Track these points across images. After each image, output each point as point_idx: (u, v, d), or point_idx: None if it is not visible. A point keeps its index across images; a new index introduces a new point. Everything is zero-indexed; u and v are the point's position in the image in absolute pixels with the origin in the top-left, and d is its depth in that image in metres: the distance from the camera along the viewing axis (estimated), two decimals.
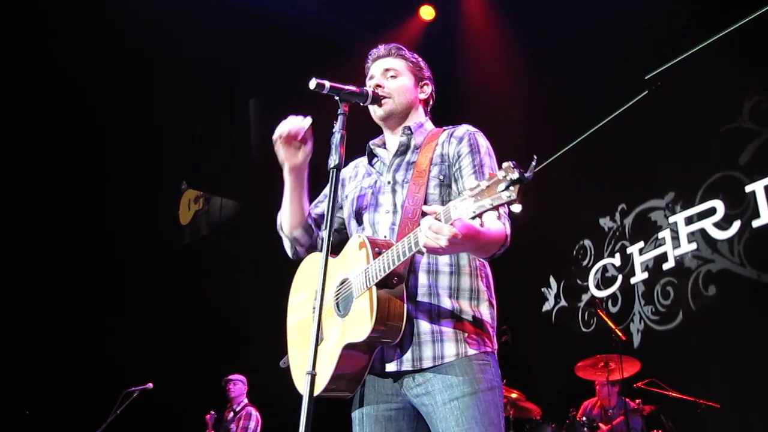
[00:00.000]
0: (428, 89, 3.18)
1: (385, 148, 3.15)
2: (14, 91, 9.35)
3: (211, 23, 9.09)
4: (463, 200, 2.29)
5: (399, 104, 3.08)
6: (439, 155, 2.93)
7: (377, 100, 3.03)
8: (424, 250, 2.42)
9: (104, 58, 9.17)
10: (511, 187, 2.15)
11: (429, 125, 3.16)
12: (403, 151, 3.05)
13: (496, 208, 2.20)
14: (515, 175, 2.14)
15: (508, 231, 2.69)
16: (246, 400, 8.66)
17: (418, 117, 3.14)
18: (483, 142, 2.91)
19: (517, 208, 2.18)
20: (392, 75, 3.10)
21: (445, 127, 3.08)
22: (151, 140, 10.47)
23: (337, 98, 2.82)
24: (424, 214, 2.55)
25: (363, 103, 2.97)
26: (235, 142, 10.69)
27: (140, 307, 10.70)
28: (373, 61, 3.18)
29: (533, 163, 2.18)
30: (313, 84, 2.77)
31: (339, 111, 2.80)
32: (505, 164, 2.20)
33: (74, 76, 9.33)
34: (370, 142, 3.18)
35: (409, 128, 3.07)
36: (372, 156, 3.17)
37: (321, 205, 3.29)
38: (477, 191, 2.24)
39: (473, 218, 2.26)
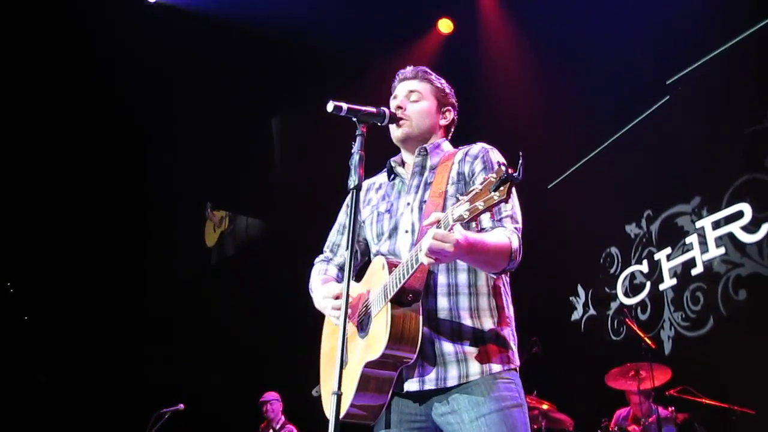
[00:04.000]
0: (450, 115, 3.18)
1: (403, 167, 3.15)
2: (46, 107, 9.50)
3: (232, 43, 9.20)
4: (460, 205, 2.35)
5: (416, 128, 3.09)
6: (455, 174, 2.93)
7: (395, 120, 3.05)
8: (426, 260, 2.45)
9: (138, 77, 9.31)
10: (501, 187, 2.25)
11: (446, 146, 3.15)
12: (419, 171, 3.05)
13: (489, 209, 2.28)
14: (504, 175, 2.23)
15: (515, 245, 2.69)
16: (284, 418, 8.59)
17: (436, 140, 3.12)
18: (496, 159, 2.91)
19: (508, 208, 2.44)
20: (415, 99, 3.11)
21: (460, 147, 3.08)
22: (177, 161, 10.59)
23: (354, 120, 2.84)
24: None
25: (381, 123, 2.97)
26: (258, 161, 10.78)
27: (171, 329, 10.75)
28: (399, 82, 3.20)
29: (521, 162, 2.23)
30: (330, 107, 2.81)
31: (357, 132, 2.82)
32: (495, 167, 2.30)
33: (108, 94, 9.46)
34: (392, 159, 3.18)
35: (425, 149, 3.07)
36: (391, 173, 3.17)
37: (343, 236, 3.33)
38: (471, 195, 2.32)
39: (467, 221, 2.32)
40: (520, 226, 2.82)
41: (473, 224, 2.47)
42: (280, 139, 10.59)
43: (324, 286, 3.09)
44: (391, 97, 3.19)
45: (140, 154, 10.55)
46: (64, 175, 10.08)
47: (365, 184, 3.26)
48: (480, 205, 2.28)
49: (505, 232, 2.72)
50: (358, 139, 2.79)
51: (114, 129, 9.95)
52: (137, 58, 8.99)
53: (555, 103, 8.91)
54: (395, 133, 3.09)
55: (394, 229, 2.96)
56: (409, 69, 3.21)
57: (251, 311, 10.38)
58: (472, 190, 2.32)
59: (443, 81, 3.23)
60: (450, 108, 3.19)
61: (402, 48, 9.13)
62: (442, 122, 3.15)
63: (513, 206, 2.84)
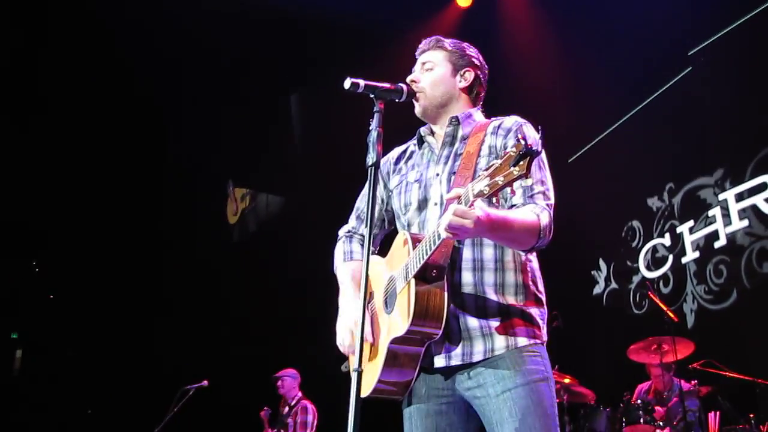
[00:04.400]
0: (470, 75, 3.12)
1: (433, 136, 3.12)
2: (67, 89, 9.52)
3: (248, 20, 9.16)
4: (479, 180, 2.32)
5: (432, 97, 3.05)
6: (487, 147, 2.90)
7: (412, 95, 3.02)
8: (446, 235, 2.43)
9: (156, 57, 9.31)
10: (521, 162, 2.22)
11: (478, 116, 3.11)
12: (449, 141, 3.02)
13: (508, 184, 2.25)
14: (523, 149, 2.21)
15: (545, 222, 2.66)
16: (300, 394, 8.60)
17: (463, 106, 3.10)
18: (531, 134, 2.86)
19: (529, 182, 2.32)
20: (428, 68, 3.09)
21: (493, 118, 3.05)
22: (197, 140, 10.65)
23: (372, 96, 2.83)
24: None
25: (399, 99, 2.94)
26: (278, 139, 10.77)
27: (193, 306, 10.84)
28: (418, 56, 3.17)
29: (539, 135, 2.26)
30: (347, 84, 2.81)
31: (375, 108, 2.80)
32: (513, 140, 2.33)
33: (128, 75, 9.48)
34: (421, 129, 3.15)
35: (456, 118, 3.03)
36: (421, 142, 3.14)
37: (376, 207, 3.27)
38: (491, 170, 2.29)
39: (487, 196, 2.30)
40: (552, 202, 2.78)
41: (494, 200, 2.37)
42: (300, 117, 10.59)
43: (349, 295, 3.05)
44: None
45: (161, 134, 10.65)
46: (86, 156, 10.12)
47: (395, 152, 3.25)
48: (500, 180, 2.26)
49: (534, 209, 2.68)
50: (376, 116, 2.77)
51: (134, 109, 10.00)
52: (155, 39, 8.99)
53: (575, 75, 8.85)
54: (416, 109, 3.08)
55: (424, 201, 2.94)
56: (424, 42, 3.19)
57: (273, 289, 10.40)
58: (491, 165, 2.30)
59: (460, 43, 3.19)
60: (469, 68, 3.12)
61: (420, 22, 9.02)
62: (462, 84, 3.10)
63: (545, 182, 2.81)
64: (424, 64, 3.10)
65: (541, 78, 9.08)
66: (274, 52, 9.59)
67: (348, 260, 3.22)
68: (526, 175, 2.22)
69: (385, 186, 3.18)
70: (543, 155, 2.82)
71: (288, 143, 10.67)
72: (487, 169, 2.31)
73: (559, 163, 9.16)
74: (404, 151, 3.23)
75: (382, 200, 3.19)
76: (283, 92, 10.65)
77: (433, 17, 9.28)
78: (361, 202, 3.34)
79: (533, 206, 2.70)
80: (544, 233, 2.65)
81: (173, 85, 9.73)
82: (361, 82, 2.81)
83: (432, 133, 3.12)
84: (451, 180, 2.89)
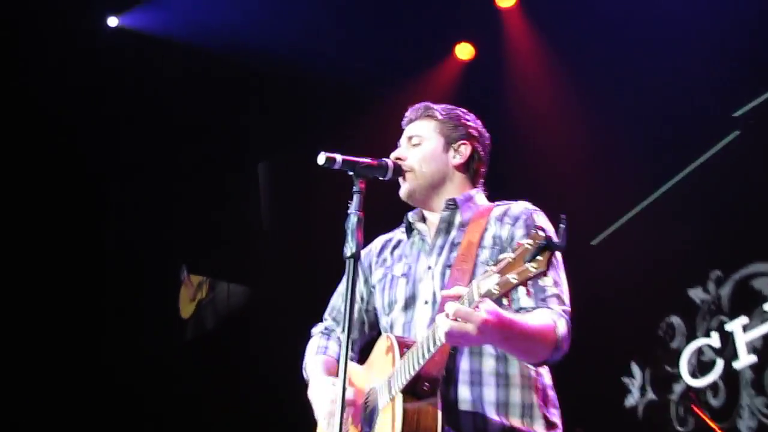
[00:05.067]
0: (466, 149, 3.21)
1: (425, 222, 3.20)
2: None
3: (211, 77, 9.11)
4: (488, 277, 2.35)
5: (422, 177, 3.14)
6: (490, 236, 2.96)
7: (399, 172, 3.12)
8: (443, 339, 2.44)
9: (98, 125, 9.28)
10: (539, 257, 2.22)
11: (480, 198, 3.18)
12: (445, 229, 3.07)
13: (523, 282, 2.26)
14: (542, 242, 2.22)
15: (562, 331, 2.70)
16: None
17: (458, 187, 3.18)
18: (544, 224, 2.94)
19: (548, 281, 2.45)
20: (415, 143, 3.21)
21: (498, 203, 3.13)
22: (145, 216, 10.50)
23: (351, 174, 2.93)
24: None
25: (383, 177, 3.05)
26: (242, 216, 10.65)
27: (140, 410, 10.63)
28: (404, 127, 3.33)
29: (562, 226, 2.23)
30: (321, 159, 2.90)
31: (354, 188, 2.89)
32: (532, 231, 2.31)
33: (64, 143, 9.40)
34: (409, 214, 3.25)
35: (454, 201, 3.11)
36: (410, 230, 3.22)
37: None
38: (502, 265, 2.31)
39: (497, 297, 2.33)
40: (569, 308, 2.82)
41: (504, 302, 2.37)
42: (268, 192, 10.45)
43: (320, 380, 3.10)
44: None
45: (98, 209, 10.47)
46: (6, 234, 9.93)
47: (378, 241, 3.37)
48: (513, 278, 2.25)
49: (550, 315, 2.71)
50: (356, 198, 2.85)
51: (65, 179, 9.79)
52: (92, 94, 8.86)
53: (598, 141, 8.70)
54: (401, 191, 3.19)
55: (412, 298, 3.00)
56: (410, 110, 3.34)
57: (234, 392, 10.22)
58: (503, 259, 2.31)
59: (454, 109, 3.31)
60: (465, 140, 3.22)
61: (412, 80, 9.01)
62: (456, 160, 3.19)
63: (560, 283, 2.87)
64: (410, 138, 3.22)
65: (558, 145, 8.89)
66: (240, 116, 9.51)
67: (321, 354, 3.31)
68: (545, 273, 2.23)
69: (366, 281, 3.25)
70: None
71: (254, 223, 10.48)
72: (496, 264, 2.32)
73: (580, 247, 8.85)
74: (390, 240, 3.33)
75: (363, 298, 3.26)
76: (248, 163, 10.50)
77: (428, 73, 9.19)
78: (338, 300, 3.42)
79: (548, 311, 2.75)
80: (560, 344, 2.70)
81: (112, 150, 9.58)
82: (338, 157, 2.91)
83: (423, 218, 3.22)
84: (446, 275, 2.93)
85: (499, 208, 3.06)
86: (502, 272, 2.29)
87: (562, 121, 8.98)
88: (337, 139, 8.02)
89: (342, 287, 3.38)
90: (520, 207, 3.04)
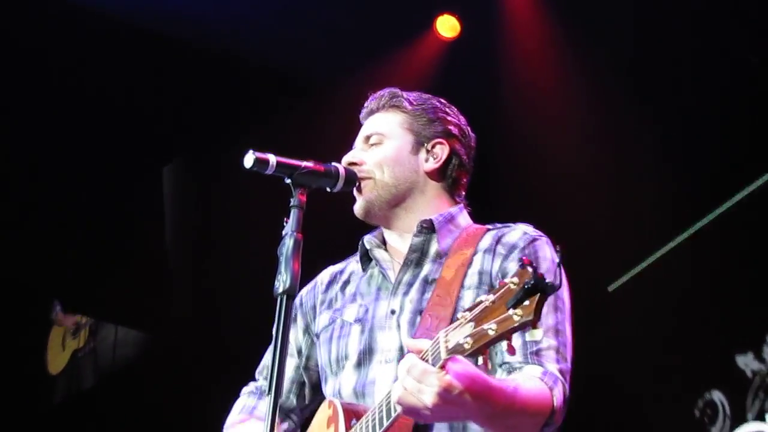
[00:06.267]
0: (442, 151, 3.26)
1: (385, 249, 3.24)
2: None
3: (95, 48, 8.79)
4: (459, 327, 2.33)
5: (382, 188, 3.18)
6: (476, 272, 2.97)
7: (352, 181, 3.14)
8: (399, 409, 2.44)
9: None
10: (526, 301, 2.20)
11: (464, 219, 3.21)
12: (415, 260, 3.10)
13: (505, 335, 2.23)
14: (530, 281, 2.18)
15: (558, 400, 2.72)
16: None
17: (433, 203, 3.21)
18: (547, 255, 3.02)
19: (537, 335, 2.30)
20: (375, 142, 3.28)
21: (489, 226, 3.18)
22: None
23: (288, 182, 2.94)
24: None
25: (331, 188, 3.09)
26: (138, 236, 10.51)
27: None
28: (363, 121, 3.41)
29: (557, 256, 2.32)
30: (249, 161, 2.91)
31: (292, 202, 2.88)
32: (517, 265, 2.31)
33: None
34: (365, 239, 3.28)
35: (430, 222, 3.14)
36: (367, 259, 3.25)
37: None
38: (478, 311, 2.29)
39: (470, 354, 2.30)
40: (569, 366, 2.88)
41: (480, 361, 2.34)
42: (175, 204, 10.33)
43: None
44: None
45: None
46: None
47: (327, 273, 3.42)
48: (491, 329, 2.21)
49: (544, 379, 2.71)
50: (293, 214, 2.84)
51: None
52: None
53: (618, 163, 8.82)
54: (356, 206, 3.26)
55: (367, 353, 3.02)
56: (371, 98, 3.41)
57: None
58: (480, 303, 2.29)
59: (430, 99, 3.37)
60: (441, 140, 3.26)
61: (376, 62, 8.90)
62: (428, 165, 3.24)
63: (562, 331, 2.90)
64: (369, 137, 3.28)
65: (567, 163, 8.97)
66: (138, 100, 9.20)
67: (246, 414, 3.31)
68: (533, 323, 2.19)
69: (307, 329, 3.29)
70: (563, 290, 2.94)
71: (155, 245, 10.33)
72: (471, 309, 2.31)
73: (594, 294, 8.80)
74: (340, 272, 3.38)
75: (300, 351, 3.30)
76: (150, 165, 10.30)
77: (398, 54, 9.12)
78: (269, 356, 3.28)
79: (540, 372, 2.75)
80: (554, 418, 2.73)
81: None
82: (272, 159, 2.90)
83: (384, 243, 3.28)
84: (416, 323, 2.94)
85: (491, 233, 3.09)
86: (477, 321, 2.27)
87: (571, 125, 9.03)
88: (272, 135, 8.31)
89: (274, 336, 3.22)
90: (519, 232, 3.06)
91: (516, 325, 2.18)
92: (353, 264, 3.33)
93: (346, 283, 3.30)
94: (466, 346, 2.25)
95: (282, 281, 2.70)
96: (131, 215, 10.42)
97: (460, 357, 2.33)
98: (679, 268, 9.07)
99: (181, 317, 10.18)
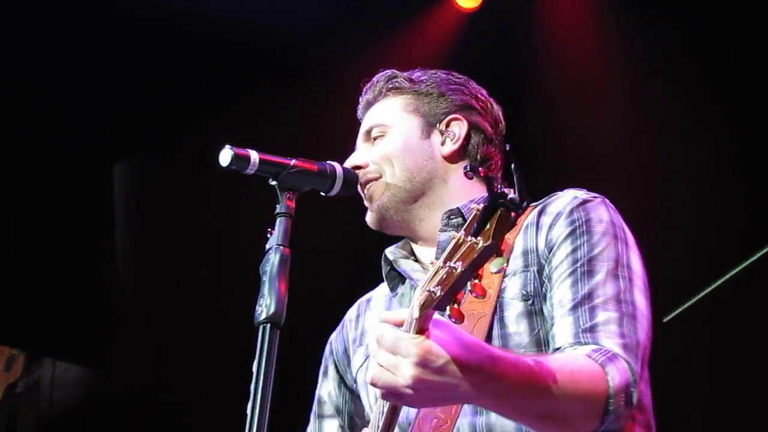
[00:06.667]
0: (459, 128, 3.25)
1: (415, 258, 3.22)
2: None
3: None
4: (432, 278, 2.22)
5: (395, 187, 3.15)
6: (519, 255, 2.94)
7: (352, 184, 3.13)
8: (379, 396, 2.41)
9: None
10: (486, 225, 2.10)
11: None
12: (448, 258, 2.58)
13: (470, 270, 2.11)
14: (490, 199, 2.12)
15: (617, 378, 2.54)
16: None
17: (462, 189, 3.19)
18: (603, 216, 2.94)
19: (499, 262, 2.46)
20: (377, 135, 3.30)
21: (535, 203, 3.08)
22: None
23: (273, 183, 2.94)
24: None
25: (326, 191, 3.10)
26: (88, 245, 10.19)
27: None
28: (361, 117, 3.43)
29: (513, 165, 2.23)
30: (226, 157, 2.89)
31: (278, 208, 2.87)
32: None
33: None
34: (387, 251, 3.28)
35: (458, 211, 3.12)
36: (395, 277, 3.22)
37: None
38: (446, 253, 2.19)
39: (437, 303, 2.16)
40: (639, 337, 2.69)
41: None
42: (128, 209, 10.03)
43: None
44: None
45: None
46: None
47: (353, 308, 3.42)
48: (457, 266, 2.11)
49: (593, 356, 2.54)
50: (280, 224, 2.85)
51: None
52: None
53: (675, 173, 8.95)
54: (368, 215, 3.29)
55: None
56: (367, 86, 3.42)
57: None
58: (452, 239, 2.21)
59: (435, 74, 3.36)
60: (455, 115, 3.25)
61: (379, 39, 8.87)
62: (446, 148, 3.24)
63: (621, 300, 2.74)
64: (369, 131, 3.31)
65: (612, 167, 8.96)
66: (94, 84, 8.92)
67: None
68: (496, 248, 2.07)
69: (343, 380, 3.28)
70: (629, 257, 2.86)
71: (102, 260, 9.97)
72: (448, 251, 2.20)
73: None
74: (368, 301, 3.38)
75: (340, 410, 3.29)
76: (102, 161, 10.06)
77: (409, 28, 9.14)
78: (313, 422, 3.41)
79: (590, 350, 2.61)
80: (613, 405, 2.53)
81: None
82: (253, 155, 2.90)
83: (412, 254, 3.26)
84: None
85: (536, 209, 3.03)
86: (445, 263, 2.16)
87: (619, 138, 9.10)
88: (255, 126, 8.07)
89: (320, 392, 3.38)
90: (567, 197, 3.00)
91: (476, 255, 2.07)
92: (382, 287, 3.29)
93: (377, 309, 3.25)
94: (435, 295, 2.13)
95: (264, 306, 2.67)
96: (73, 224, 10.16)
97: (443, 319, 2.21)
98: (740, 300, 9.25)
99: (134, 350, 9.95)
